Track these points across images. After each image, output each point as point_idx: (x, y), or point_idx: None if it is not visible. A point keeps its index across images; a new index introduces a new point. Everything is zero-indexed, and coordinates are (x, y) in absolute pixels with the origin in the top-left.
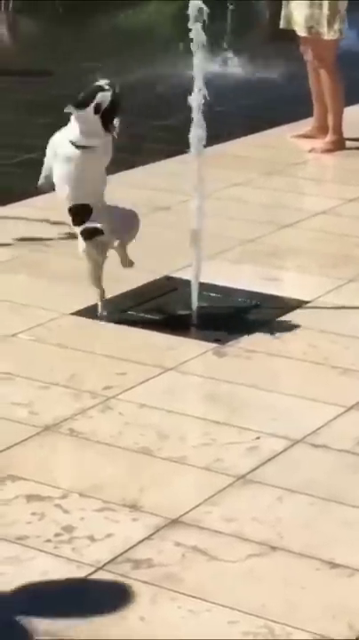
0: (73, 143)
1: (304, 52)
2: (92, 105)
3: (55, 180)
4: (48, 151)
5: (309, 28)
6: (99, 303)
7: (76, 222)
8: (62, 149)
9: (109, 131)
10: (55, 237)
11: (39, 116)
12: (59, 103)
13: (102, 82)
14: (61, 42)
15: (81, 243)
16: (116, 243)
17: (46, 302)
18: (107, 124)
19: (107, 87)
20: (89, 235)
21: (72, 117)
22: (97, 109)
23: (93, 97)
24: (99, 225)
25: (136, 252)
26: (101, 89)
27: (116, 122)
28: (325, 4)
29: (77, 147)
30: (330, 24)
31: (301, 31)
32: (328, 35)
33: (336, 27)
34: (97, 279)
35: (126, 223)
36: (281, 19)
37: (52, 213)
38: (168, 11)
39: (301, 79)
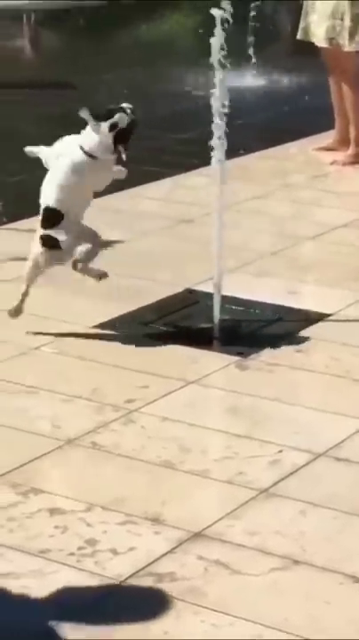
0: (81, 148)
1: (327, 63)
2: (110, 121)
3: (48, 176)
4: (53, 147)
5: (330, 40)
6: (17, 303)
7: (44, 226)
8: (69, 149)
9: (116, 151)
10: None
11: (61, 128)
12: (74, 117)
13: (125, 105)
14: (82, 54)
15: (36, 245)
16: (72, 259)
17: (68, 315)
18: (117, 144)
19: (127, 111)
20: (47, 243)
21: (88, 126)
22: (112, 127)
23: (112, 114)
24: (61, 238)
25: (158, 265)
26: (122, 110)
27: (124, 147)
28: (347, 16)
29: (84, 152)
30: (351, 36)
31: (321, 42)
32: (349, 46)
33: (357, 38)
34: (30, 279)
35: (86, 242)
36: (299, 30)
37: None
38: (189, 23)
39: (323, 91)
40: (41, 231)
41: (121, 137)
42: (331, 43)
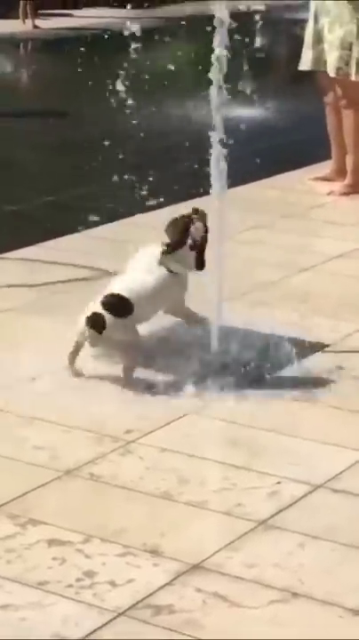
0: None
1: (325, 93)
2: (188, 243)
3: (124, 277)
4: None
5: (338, 69)
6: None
7: (105, 307)
8: (150, 261)
9: (200, 268)
10: (76, 280)
11: (59, 158)
12: (77, 145)
13: (187, 212)
14: (78, 82)
15: (81, 322)
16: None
17: (68, 345)
18: (200, 259)
19: (195, 218)
20: (94, 323)
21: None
22: (192, 247)
23: (188, 225)
24: (109, 323)
25: None
26: (191, 221)
27: (201, 258)
28: (355, 47)
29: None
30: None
31: (330, 72)
32: (356, 76)
33: None
34: (72, 359)
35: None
36: (302, 59)
37: (74, 255)
38: (187, 53)
39: (318, 121)
40: (95, 308)
41: (202, 249)
42: (339, 72)
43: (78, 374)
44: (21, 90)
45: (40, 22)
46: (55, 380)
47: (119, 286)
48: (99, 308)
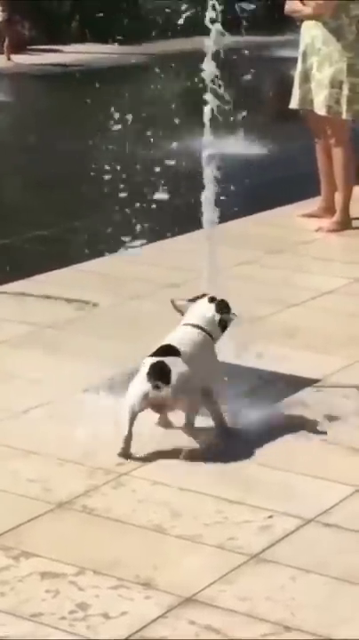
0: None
1: (314, 131)
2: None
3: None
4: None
5: (329, 108)
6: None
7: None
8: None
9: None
10: (68, 314)
11: (47, 192)
12: (65, 180)
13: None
14: (63, 117)
15: (135, 388)
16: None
17: (59, 379)
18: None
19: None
20: (156, 372)
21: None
22: (224, 329)
23: (226, 311)
24: (174, 370)
25: (145, 329)
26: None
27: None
28: (346, 85)
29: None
30: (349, 104)
31: (320, 110)
32: (346, 114)
33: (355, 107)
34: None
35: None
36: (292, 98)
37: (65, 289)
38: (175, 89)
39: (308, 158)
40: (150, 361)
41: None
42: (330, 111)
43: (166, 424)
44: (4, 125)
45: (21, 58)
46: (47, 412)
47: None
48: (153, 359)
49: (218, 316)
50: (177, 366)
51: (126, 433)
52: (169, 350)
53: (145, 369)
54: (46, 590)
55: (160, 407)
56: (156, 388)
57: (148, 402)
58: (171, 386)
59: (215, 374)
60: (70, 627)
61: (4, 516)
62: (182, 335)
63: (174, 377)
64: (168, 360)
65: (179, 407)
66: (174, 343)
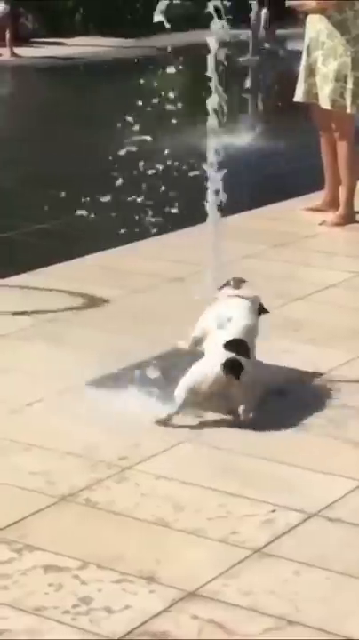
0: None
1: (319, 125)
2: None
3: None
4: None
5: (333, 102)
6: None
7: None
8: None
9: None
10: (71, 307)
11: (49, 185)
12: (67, 173)
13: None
14: (66, 110)
15: (210, 366)
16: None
17: (62, 372)
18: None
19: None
20: (231, 368)
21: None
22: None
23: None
24: (247, 368)
25: (149, 323)
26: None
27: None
28: (350, 79)
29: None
30: (354, 98)
31: (325, 104)
32: (351, 108)
33: None
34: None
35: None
36: (297, 92)
37: (68, 283)
38: (178, 83)
39: (312, 152)
40: (225, 355)
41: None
42: (335, 105)
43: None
44: (7, 117)
45: (25, 50)
46: (50, 406)
47: (233, 331)
48: (231, 354)
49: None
50: (248, 368)
51: (176, 410)
52: (240, 345)
53: (219, 358)
54: (49, 584)
55: (217, 396)
56: (228, 382)
57: (216, 385)
58: (242, 383)
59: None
60: (73, 620)
61: (7, 510)
62: (240, 312)
63: (244, 376)
64: (243, 360)
65: (239, 401)
66: (239, 331)
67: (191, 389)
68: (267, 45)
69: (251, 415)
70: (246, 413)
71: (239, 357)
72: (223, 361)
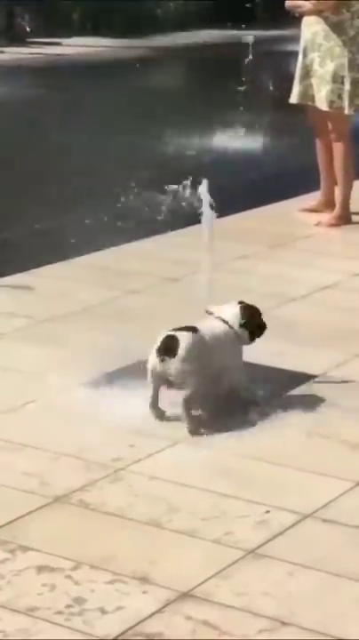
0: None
1: (315, 126)
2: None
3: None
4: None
5: (331, 103)
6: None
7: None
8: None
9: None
10: (67, 308)
11: (43, 186)
12: (61, 173)
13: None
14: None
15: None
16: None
17: (57, 372)
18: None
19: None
20: (165, 344)
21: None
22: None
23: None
24: (183, 344)
25: (144, 323)
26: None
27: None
28: (347, 80)
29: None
30: (351, 99)
31: (322, 105)
32: (348, 109)
33: (357, 102)
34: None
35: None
36: (292, 93)
37: (62, 284)
38: (173, 83)
39: (307, 153)
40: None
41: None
42: (332, 106)
43: (161, 417)
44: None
45: (22, 50)
46: (45, 406)
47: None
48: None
49: (243, 320)
50: (186, 340)
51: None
52: (188, 328)
53: (156, 344)
54: (42, 584)
55: (169, 383)
56: (163, 361)
57: (157, 376)
58: (177, 357)
59: (235, 371)
60: (66, 621)
61: (1, 510)
62: (207, 323)
63: (181, 350)
64: (179, 334)
65: (185, 383)
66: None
67: (150, 372)
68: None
69: (192, 392)
70: (189, 396)
71: (175, 334)
72: (157, 344)
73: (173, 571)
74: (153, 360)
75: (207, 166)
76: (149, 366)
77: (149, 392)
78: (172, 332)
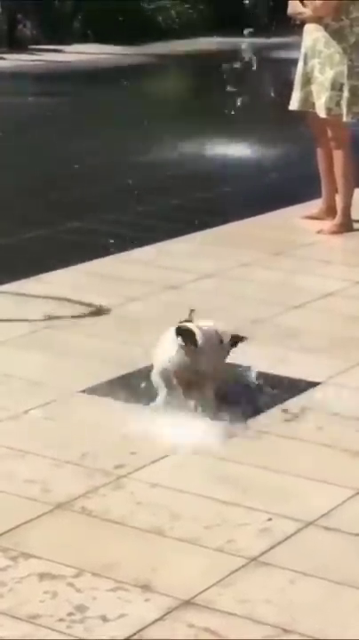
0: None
1: (315, 133)
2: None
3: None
4: None
5: (329, 110)
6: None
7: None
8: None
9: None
10: (68, 315)
11: (46, 192)
12: (64, 180)
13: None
14: (67, 114)
15: (165, 348)
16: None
17: (59, 379)
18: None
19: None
20: (184, 334)
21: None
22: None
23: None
24: (199, 335)
25: (144, 331)
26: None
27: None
28: (346, 88)
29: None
30: (349, 107)
31: (321, 113)
32: (347, 117)
33: (355, 109)
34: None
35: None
36: (292, 100)
37: (66, 290)
38: (178, 89)
39: (309, 160)
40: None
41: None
42: (331, 113)
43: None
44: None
45: (23, 57)
46: (46, 413)
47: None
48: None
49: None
50: (200, 331)
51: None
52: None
53: (170, 335)
54: (44, 592)
55: (187, 375)
56: (187, 354)
57: (182, 370)
58: (200, 348)
59: (221, 370)
60: (68, 629)
61: (2, 517)
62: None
63: (200, 340)
64: (191, 327)
65: (207, 371)
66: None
67: (161, 371)
68: None
69: (214, 389)
70: (210, 385)
71: (188, 325)
72: (175, 332)
73: (175, 578)
74: (170, 358)
75: (209, 174)
76: (162, 366)
77: (162, 395)
78: (183, 326)
